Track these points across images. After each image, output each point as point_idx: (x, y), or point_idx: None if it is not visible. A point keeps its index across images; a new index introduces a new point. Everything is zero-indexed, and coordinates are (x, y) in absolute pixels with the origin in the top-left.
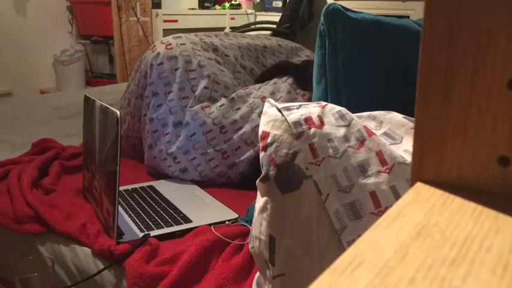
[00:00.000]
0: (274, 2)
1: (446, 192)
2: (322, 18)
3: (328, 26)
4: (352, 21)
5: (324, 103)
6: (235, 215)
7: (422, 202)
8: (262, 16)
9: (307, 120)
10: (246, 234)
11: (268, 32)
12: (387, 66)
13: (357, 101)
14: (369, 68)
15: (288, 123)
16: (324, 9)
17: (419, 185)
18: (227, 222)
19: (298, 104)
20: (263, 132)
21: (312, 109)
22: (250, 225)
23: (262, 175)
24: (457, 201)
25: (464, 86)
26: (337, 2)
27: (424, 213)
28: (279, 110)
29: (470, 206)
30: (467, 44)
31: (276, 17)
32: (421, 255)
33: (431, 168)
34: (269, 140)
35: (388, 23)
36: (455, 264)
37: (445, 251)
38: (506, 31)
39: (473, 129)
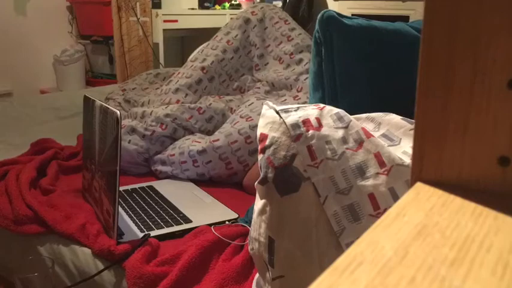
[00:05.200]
0: (274, 2)
1: (446, 192)
2: (317, 26)
3: (323, 34)
4: (347, 28)
5: (322, 105)
6: (235, 215)
7: (422, 202)
8: None
9: (305, 122)
10: (246, 234)
11: None
12: (384, 71)
13: (355, 107)
14: (365, 74)
15: (286, 125)
16: (318, 17)
17: (419, 185)
18: (227, 222)
19: (296, 106)
20: (261, 134)
21: (310, 111)
22: (250, 226)
23: (260, 177)
24: (457, 201)
25: (464, 86)
26: (337, 2)
27: (424, 213)
28: (277, 112)
29: (470, 206)
30: (467, 44)
31: None
32: (421, 255)
33: (431, 168)
34: (267, 142)
35: (383, 29)
36: (455, 264)
37: (445, 251)
38: (506, 31)
39: (473, 129)
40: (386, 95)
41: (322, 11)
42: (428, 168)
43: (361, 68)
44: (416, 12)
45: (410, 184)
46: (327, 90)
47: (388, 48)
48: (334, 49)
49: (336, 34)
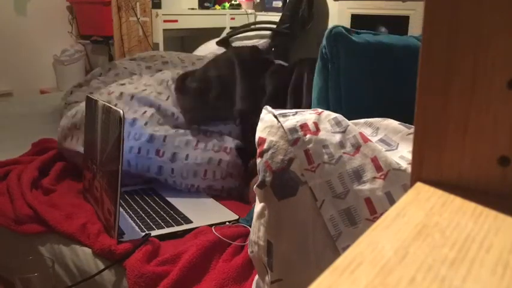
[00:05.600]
0: (274, 2)
1: (446, 192)
2: (324, 41)
3: (330, 50)
4: (355, 45)
5: (320, 110)
6: (235, 216)
7: (422, 202)
8: (262, 16)
9: (303, 126)
10: (246, 235)
11: (268, 32)
12: (391, 89)
13: None
14: (372, 91)
15: (284, 129)
16: (326, 33)
17: (419, 185)
18: (227, 223)
19: (294, 110)
20: (259, 138)
21: (308, 116)
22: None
23: (259, 181)
24: (457, 201)
25: (464, 86)
26: (337, 2)
27: (424, 213)
28: (275, 117)
29: (470, 206)
30: (467, 44)
31: (276, 17)
32: (421, 255)
33: (431, 168)
34: (265, 146)
35: (391, 45)
36: (455, 264)
37: (445, 251)
38: (506, 31)
39: (473, 129)
40: (393, 112)
41: (330, 27)
42: (428, 168)
43: (368, 85)
44: (416, 12)
45: (411, 184)
46: (332, 106)
47: (395, 66)
48: (341, 66)
49: (344, 51)
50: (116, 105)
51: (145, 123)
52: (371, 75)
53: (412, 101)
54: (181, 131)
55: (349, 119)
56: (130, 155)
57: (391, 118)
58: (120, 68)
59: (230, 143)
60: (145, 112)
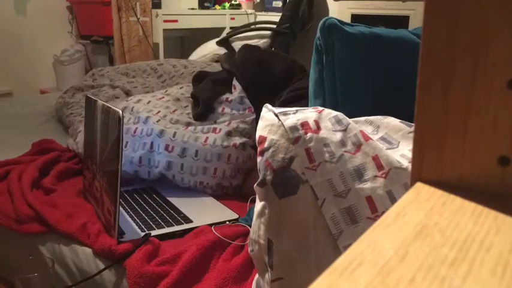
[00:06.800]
0: (274, 2)
1: (446, 192)
2: (318, 33)
3: (325, 41)
4: (349, 36)
5: (320, 108)
6: (236, 216)
7: (422, 202)
8: (262, 16)
9: (304, 125)
10: (246, 234)
11: (268, 32)
12: (386, 79)
13: (356, 115)
14: (367, 83)
15: (285, 128)
16: (320, 24)
17: (419, 185)
18: (227, 222)
19: (295, 109)
20: (260, 137)
21: (308, 114)
22: (251, 226)
23: (259, 180)
24: (457, 201)
25: (464, 86)
26: (337, 2)
27: (424, 213)
28: (276, 115)
29: (470, 206)
30: (467, 44)
31: (276, 17)
32: (421, 255)
33: (431, 168)
34: (266, 144)
35: (386, 36)
36: (455, 264)
37: (445, 251)
38: (506, 31)
39: (473, 129)
40: (388, 103)
41: (324, 19)
42: (428, 168)
43: (362, 76)
44: (416, 12)
45: (411, 184)
46: (328, 98)
47: (390, 56)
48: (336, 57)
49: (338, 42)
50: (132, 108)
51: (158, 121)
52: (366, 66)
53: (406, 91)
54: (191, 127)
55: (345, 110)
56: (143, 151)
57: (385, 108)
58: (116, 89)
59: (238, 139)
60: (158, 112)
